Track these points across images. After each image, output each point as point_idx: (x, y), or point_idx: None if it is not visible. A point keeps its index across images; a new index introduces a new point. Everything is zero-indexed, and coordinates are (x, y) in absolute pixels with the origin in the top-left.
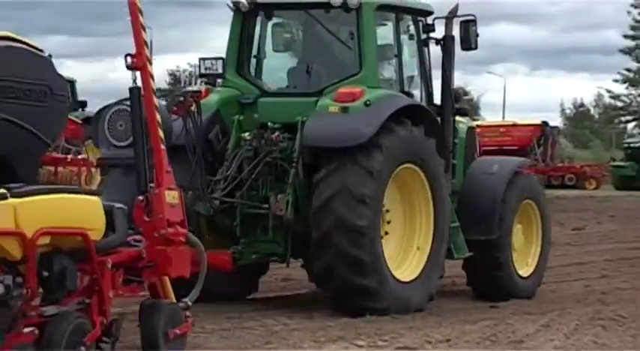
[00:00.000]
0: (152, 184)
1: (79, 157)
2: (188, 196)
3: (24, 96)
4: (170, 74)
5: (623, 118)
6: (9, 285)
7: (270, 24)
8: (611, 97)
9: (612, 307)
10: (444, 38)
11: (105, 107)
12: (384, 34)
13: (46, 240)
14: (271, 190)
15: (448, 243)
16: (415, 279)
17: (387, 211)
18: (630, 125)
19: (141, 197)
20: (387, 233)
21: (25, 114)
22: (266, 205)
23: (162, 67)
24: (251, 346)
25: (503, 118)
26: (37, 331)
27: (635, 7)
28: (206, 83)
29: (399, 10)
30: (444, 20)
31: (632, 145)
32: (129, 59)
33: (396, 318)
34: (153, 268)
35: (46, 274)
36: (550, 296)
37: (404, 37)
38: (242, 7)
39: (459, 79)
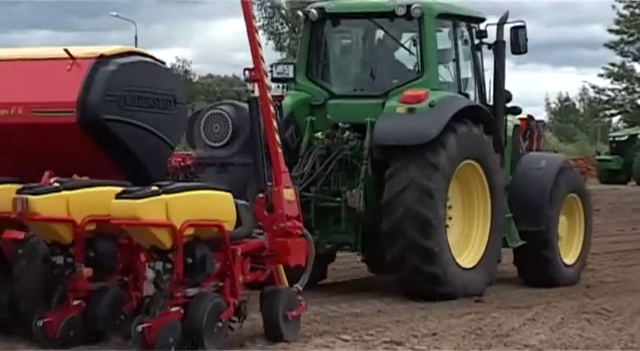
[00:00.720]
0: (270, 183)
1: None
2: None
3: (153, 105)
4: None
5: (608, 112)
6: (159, 270)
7: (336, 31)
8: (596, 92)
9: (597, 300)
10: (496, 43)
11: (199, 111)
12: (442, 39)
13: (190, 231)
14: (343, 185)
15: (503, 233)
16: (475, 266)
17: (450, 204)
18: (615, 119)
19: (261, 195)
20: (448, 225)
21: (154, 121)
22: (338, 199)
23: None
24: (237, 339)
25: None
26: (182, 311)
27: (620, 2)
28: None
29: (456, 18)
30: (495, 26)
31: (616, 138)
32: (247, 73)
33: (382, 312)
34: (274, 257)
35: (189, 260)
36: (535, 290)
37: (460, 43)
38: (312, 17)
39: None
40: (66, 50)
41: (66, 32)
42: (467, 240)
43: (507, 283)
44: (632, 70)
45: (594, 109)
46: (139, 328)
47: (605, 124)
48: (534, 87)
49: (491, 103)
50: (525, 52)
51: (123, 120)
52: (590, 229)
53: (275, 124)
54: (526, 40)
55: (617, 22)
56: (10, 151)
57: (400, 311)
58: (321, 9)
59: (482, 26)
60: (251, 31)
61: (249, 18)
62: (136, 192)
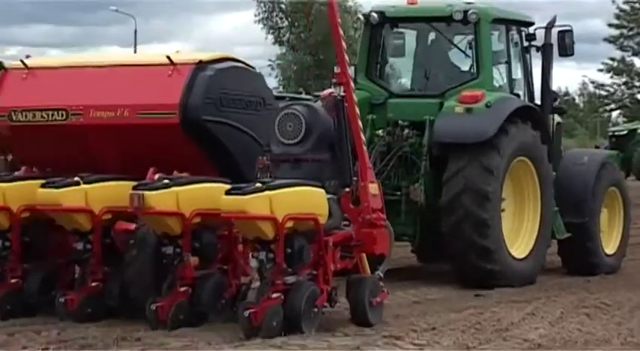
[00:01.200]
0: (355, 178)
1: None
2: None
3: (246, 107)
4: None
5: (607, 107)
6: (262, 260)
7: (395, 34)
8: (596, 87)
9: (596, 295)
10: (544, 46)
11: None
12: (495, 42)
13: (290, 223)
14: (402, 180)
15: (551, 225)
16: (527, 256)
17: (503, 198)
18: (614, 114)
19: (347, 189)
20: (501, 219)
21: (247, 121)
22: (398, 193)
23: None
24: (230, 335)
25: None
26: (282, 297)
27: None
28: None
29: (508, 22)
30: (543, 30)
31: (616, 133)
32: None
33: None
34: (361, 246)
35: (289, 250)
36: (535, 284)
37: (511, 45)
38: (372, 20)
39: None
40: (167, 57)
41: (66, 27)
42: (518, 232)
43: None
44: (632, 64)
45: (594, 104)
46: (246, 313)
47: (604, 118)
48: (535, 82)
49: (539, 102)
50: (572, 54)
51: (220, 121)
52: (629, 221)
53: (360, 123)
54: (573, 43)
55: (617, 17)
56: (115, 149)
57: (400, 306)
58: (381, 13)
59: (531, 30)
60: (337, 36)
61: (334, 22)
62: (244, 188)
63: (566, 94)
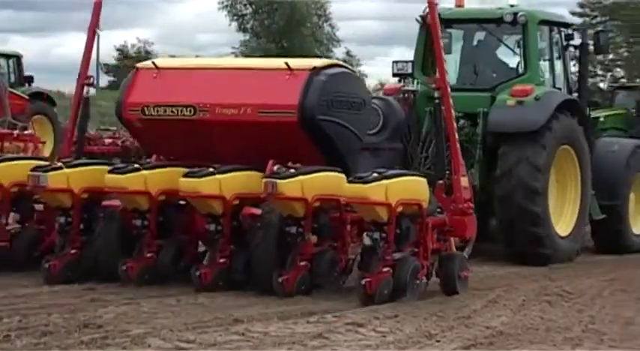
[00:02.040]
0: (447, 171)
1: (26, 132)
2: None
3: (351, 107)
4: (118, 50)
5: None
6: (377, 238)
7: (449, 33)
8: None
9: (558, 282)
10: (581, 45)
11: None
12: (540, 42)
13: (400, 208)
14: None
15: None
16: (569, 235)
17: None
18: None
19: (441, 181)
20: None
21: (351, 120)
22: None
23: (109, 43)
24: (192, 321)
25: None
26: (391, 270)
27: None
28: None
29: (552, 24)
30: (581, 30)
31: None
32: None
33: (348, 293)
34: (453, 231)
35: (397, 231)
36: (498, 272)
37: (553, 44)
38: (428, 21)
39: (403, 56)
40: (286, 63)
41: (27, 12)
42: (560, 212)
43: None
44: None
45: None
46: (363, 281)
47: None
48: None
49: (576, 96)
50: (608, 53)
51: (331, 120)
52: None
53: (455, 124)
54: (608, 42)
55: (581, 5)
56: (236, 143)
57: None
58: (437, 14)
59: (569, 30)
60: (437, 42)
61: (436, 29)
62: (364, 178)
63: None
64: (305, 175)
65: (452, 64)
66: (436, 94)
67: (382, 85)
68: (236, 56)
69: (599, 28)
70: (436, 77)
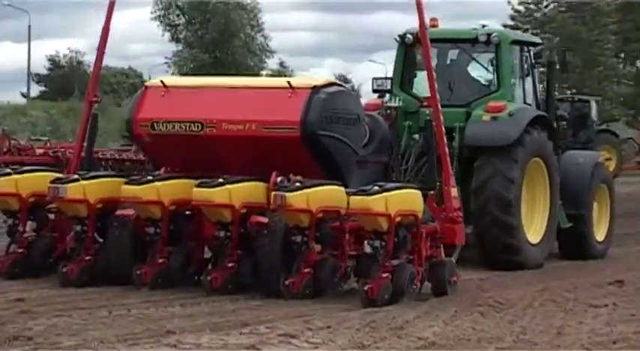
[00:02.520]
0: (438, 182)
1: None
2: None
3: (347, 122)
4: (49, 60)
5: None
6: (377, 246)
7: None
8: None
9: (490, 293)
10: (549, 63)
11: None
12: (511, 60)
13: (398, 218)
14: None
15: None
16: (539, 242)
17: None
18: None
19: (432, 192)
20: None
21: (348, 134)
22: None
23: (41, 53)
24: (124, 333)
25: None
26: (390, 276)
27: None
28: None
29: (522, 43)
30: (547, 49)
31: None
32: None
33: (280, 305)
34: (444, 238)
35: (395, 239)
36: (429, 284)
37: (523, 63)
38: (407, 41)
39: (339, 67)
40: (288, 82)
41: None
42: (531, 221)
43: None
44: None
45: None
46: (366, 287)
47: None
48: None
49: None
50: (573, 71)
51: (330, 135)
52: (614, 214)
53: (445, 140)
54: (572, 61)
55: (512, 18)
56: (241, 156)
57: (295, 304)
58: (415, 35)
59: (537, 49)
60: (428, 64)
61: (427, 51)
62: (367, 191)
63: None
64: (310, 189)
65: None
66: (427, 112)
67: None
68: (169, 66)
69: (564, 48)
70: (428, 96)
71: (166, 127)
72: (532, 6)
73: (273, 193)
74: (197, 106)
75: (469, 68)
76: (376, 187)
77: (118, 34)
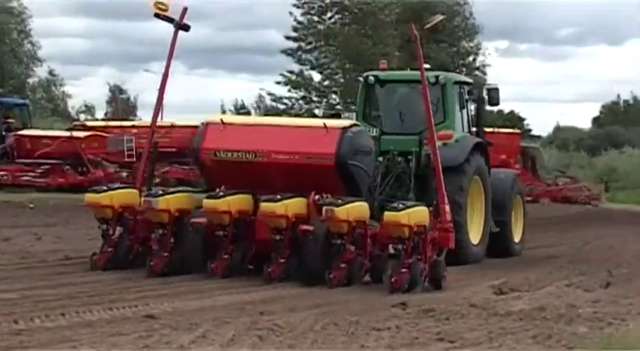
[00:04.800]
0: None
1: None
2: None
3: (365, 154)
4: None
5: None
6: (400, 249)
7: (385, 91)
8: (273, 100)
9: (270, 316)
10: (478, 98)
11: None
12: (454, 97)
13: (415, 228)
14: (397, 191)
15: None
16: (478, 243)
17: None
18: None
19: (430, 207)
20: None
21: (364, 163)
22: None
23: None
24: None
25: (162, 118)
26: (407, 271)
27: (298, 7)
28: None
29: (462, 83)
30: (477, 87)
31: None
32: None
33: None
34: (441, 243)
35: (411, 244)
36: (207, 304)
37: (461, 98)
38: (369, 81)
39: (114, 76)
40: (324, 124)
41: None
42: (472, 226)
43: (182, 300)
44: (310, 78)
45: None
46: (393, 279)
47: None
48: (209, 93)
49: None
50: (498, 104)
51: (355, 164)
52: (525, 220)
53: (440, 164)
54: (499, 97)
55: (295, 29)
56: (286, 179)
57: (103, 324)
58: (375, 76)
59: (469, 87)
60: (427, 106)
61: (426, 95)
62: (396, 207)
63: (243, 106)
64: (348, 204)
65: (390, 113)
66: (426, 147)
67: (87, 106)
68: None
69: (492, 86)
70: (442, 133)
71: (226, 155)
72: (315, 17)
73: (324, 207)
74: (251, 138)
75: (420, 104)
76: (401, 205)
77: None
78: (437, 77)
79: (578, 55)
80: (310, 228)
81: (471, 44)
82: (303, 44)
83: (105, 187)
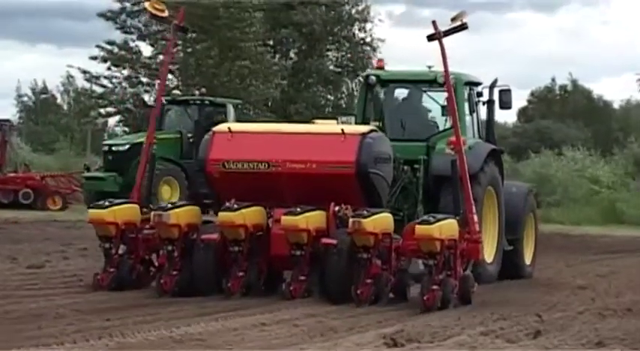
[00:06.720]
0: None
1: None
2: None
3: (385, 161)
4: None
5: (103, 110)
6: (431, 265)
7: (387, 92)
8: (87, 80)
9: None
10: (488, 101)
11: None
12: (464, 99)
13: (446, 242)
14: (404, 204)
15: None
16: (492, 261)
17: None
18: (112, 120)
19: (457, 217)
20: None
21: (384, 171)
22: (400, 213)
23: None
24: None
25: None
26: (439, 288)
27: None
28: None
29: (471, 84)
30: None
31: (113, 148)
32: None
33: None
34: (469, 255)
35: (442, 259)
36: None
37: (471, 101)
38: (370, 81)
39: None
40: (342, 129)
41: None
42: (485, 243)
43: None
44: (138, 51)
45: (84, 105)
46: (425, 297)
47: (98, 127)
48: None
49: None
50: (510, 108)
51: (376, 172)
52: (538, 238)
53: (468, 175)
54: (511, 99)
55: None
56: (302, 190)
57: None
58: (377, 76)
59: (479, 89)
60: (452, 107)
61: (451, 98)
62: (428, 220)
63: (45, 90)
64: (375, 216)
65: (393, 117)
66: (453, 153)
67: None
68: None
69: (504, 87)
70: (454, 139)
71: (236, 166)
72: None
73: (351, 219)
74: (263, 148)
75: (427, 106)
76: (432, 218)
77: None
78: None
79: (497, 25)
80: (333, 241)
81: (357, 8)
82: (128, 5)
83: (107, 203)
